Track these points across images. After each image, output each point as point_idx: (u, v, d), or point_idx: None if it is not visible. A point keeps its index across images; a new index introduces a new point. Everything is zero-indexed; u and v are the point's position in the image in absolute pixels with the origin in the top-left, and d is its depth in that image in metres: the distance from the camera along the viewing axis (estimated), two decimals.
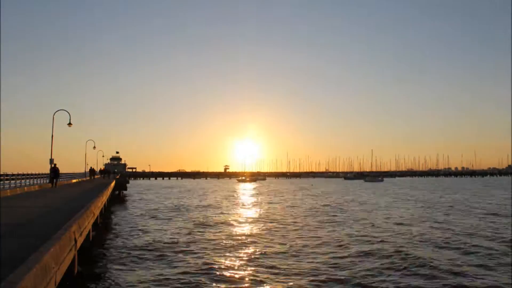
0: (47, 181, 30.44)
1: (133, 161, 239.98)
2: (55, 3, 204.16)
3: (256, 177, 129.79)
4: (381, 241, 16.04)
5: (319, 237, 17.37)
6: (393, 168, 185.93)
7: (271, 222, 22.56)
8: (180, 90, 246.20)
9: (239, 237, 17.52)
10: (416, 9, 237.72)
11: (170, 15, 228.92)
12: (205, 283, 10.22)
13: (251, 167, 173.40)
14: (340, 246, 15.24)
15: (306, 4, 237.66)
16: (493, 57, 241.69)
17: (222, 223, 22.59)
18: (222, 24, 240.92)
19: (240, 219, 24.44)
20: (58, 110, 30.72)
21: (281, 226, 21.02)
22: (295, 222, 22.42)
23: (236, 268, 11.93)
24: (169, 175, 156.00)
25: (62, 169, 31.74)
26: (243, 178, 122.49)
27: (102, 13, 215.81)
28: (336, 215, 25.96)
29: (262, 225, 21.61)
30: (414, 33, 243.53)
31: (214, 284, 10.16)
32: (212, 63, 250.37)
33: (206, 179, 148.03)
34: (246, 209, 31.31)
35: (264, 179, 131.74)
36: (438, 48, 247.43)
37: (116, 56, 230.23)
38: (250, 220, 24.18)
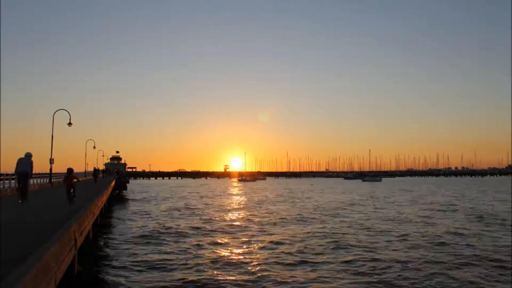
0: (47, 181, 29.50)
1: (133, 161, 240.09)
2: (55, 2, 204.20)
3: (256, 177, 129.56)
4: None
5: None
6: (393, 168, 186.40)
7: None
8: (181, 90, 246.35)
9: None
10: (415, 10, 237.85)
11: (173, 16, 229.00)
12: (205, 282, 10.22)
13: (251, 167, 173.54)
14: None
15: (306, 3, 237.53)
16: (493, 56, 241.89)
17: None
18: (223, 28, 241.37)
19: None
20: (58, 110, 30.63)
21: None
22: None
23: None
24: (169, 175, 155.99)
25: (62, 169, 30.97)
26: (243, 178, 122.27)
27: (103, 12, 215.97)
28: None
29: None
30: (414, 33, 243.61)
31: None
32: (212, 63, 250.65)
33: (206, 178, 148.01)
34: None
35: (264, 179, 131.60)
36: (438, 48, 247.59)
37: (117, 56, 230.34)
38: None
